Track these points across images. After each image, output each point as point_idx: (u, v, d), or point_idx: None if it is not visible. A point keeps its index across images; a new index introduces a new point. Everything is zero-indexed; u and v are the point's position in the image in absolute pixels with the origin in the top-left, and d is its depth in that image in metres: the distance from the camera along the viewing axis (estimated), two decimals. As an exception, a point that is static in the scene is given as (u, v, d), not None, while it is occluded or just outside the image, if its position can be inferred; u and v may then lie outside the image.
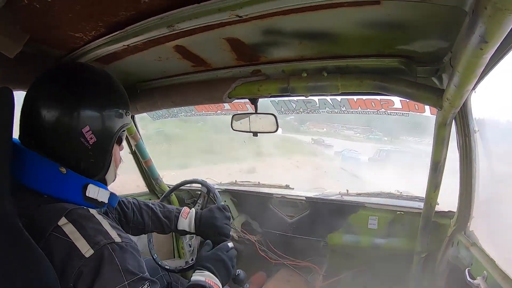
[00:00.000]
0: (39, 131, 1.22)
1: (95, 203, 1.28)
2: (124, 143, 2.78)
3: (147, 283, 1.15)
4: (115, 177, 1.49)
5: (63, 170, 1.21)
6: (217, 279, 1.48)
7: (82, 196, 1.24)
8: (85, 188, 1.25)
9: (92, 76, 1.35)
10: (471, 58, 1.07)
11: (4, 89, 1.13)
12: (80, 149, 1.26)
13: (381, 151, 19.38)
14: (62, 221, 1.11)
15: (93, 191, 1.27)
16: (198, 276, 1.45)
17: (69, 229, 1.10)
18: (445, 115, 1.66)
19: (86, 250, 1.08)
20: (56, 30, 1.48)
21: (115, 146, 1.41)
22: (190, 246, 2.25)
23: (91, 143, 1.27)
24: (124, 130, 1.43)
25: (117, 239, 1.15)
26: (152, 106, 2.46)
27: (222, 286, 1.49)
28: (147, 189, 3.31)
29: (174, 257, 3.41)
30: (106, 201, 1.35)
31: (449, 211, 2.35)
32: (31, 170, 1.19)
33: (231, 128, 2.39)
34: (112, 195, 1.38)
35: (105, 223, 1.19)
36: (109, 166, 1.39)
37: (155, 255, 2.20)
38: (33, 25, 1.38)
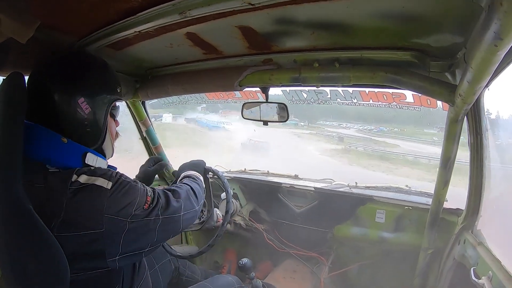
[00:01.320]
0: (44, 107, 1.37)
1: None
2: (134, 127, 2.83)
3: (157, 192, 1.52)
4: (113, 150, 1.66)
5: (65, 140, 1.36)
6: (194, 172, 2.07)
7: (81, 163, 1.39)
8: (84, 156, 1.41)
9: (86, 59, 1.54)
10: (485, 54, 1.05)
11: (16, 74, 1.27)
12: (78, 118, 1.41)
13: (250, 140, 22.61)
14: (74, 177, 1.28)
15: (91, 159, 1.43)
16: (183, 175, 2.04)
17: (84, 178, 1.29)
18: (457, 111, 1.63)
19: (106, 183, 1.30)
20: (67, 16, 1.48)
21: (110, 120, 1.58)
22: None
23: (86, 113, 1.43)
24: (115, 105, 1.60)
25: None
26: (163, 93, 2.46)
27: (201, 175, 2.09)
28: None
29: (182, 243, 3.44)
30: None
31: (457, 208, 2.34)
32: (36, 141, 1.32)
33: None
34: (110, 166, 1.56)
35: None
36: (104, 137, 1.54)
37: None
38: (44, 11, 1.39)
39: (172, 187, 1.70)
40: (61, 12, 1.43)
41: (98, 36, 1.67)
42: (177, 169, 2.18)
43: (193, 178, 1.98)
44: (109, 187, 1.30)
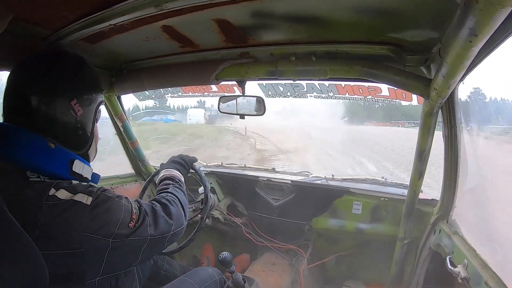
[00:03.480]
0: (29, 109, 1.28)
1: (80, 178, 1.36)
2: (110, 123, 2.78)
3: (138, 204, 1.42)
4: (96, 153, 1.59)
5: (52, 145, 1.29)
6: (176, 171, 2.00)
7: (68, 170, 1.32)
8: (71, 163, 1.33)
9: (74, 59, 1.47)
10: (460, 49, 1.07)
11: None
12: (70, 121, 1.36)
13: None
14: (52, 191, 1.18)
15: (78, 166, 1.35)
16: (162, 173, 1.97)
17: (63, 195, 1.19)
18: (432, 105, 1.66)
19: (86, 199, 1.21)
20: (41, 8, 1.43)
21: (95, 122, 1.52)
22: None
23: (78, 115, 1.38)
24: (101, 106, 1.55)
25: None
26: (139, 87, 2.43)
27: (183, 175, 2.03)
28: (133, 171, 3.29)
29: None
30: (90, 178, 1.44)
31: (432, 199, 2.39)
32: (21, 146, 1.24)
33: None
34: (94, 173, 1.48)
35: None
36: (92, 141, 1.50)
37: None
38: (17, 3, 1.34)
39: (162, 200, 1.59)
40: (35, 4, 1.38)
41: (73, 29, 1.62)
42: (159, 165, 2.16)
43: (177, 183, 1.87)
44: (88, 202, 1.21)
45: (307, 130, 29.07)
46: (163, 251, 2.18)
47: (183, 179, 1.98)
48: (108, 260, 1.24)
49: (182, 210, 1.63)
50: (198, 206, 2.85)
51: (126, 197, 1.38)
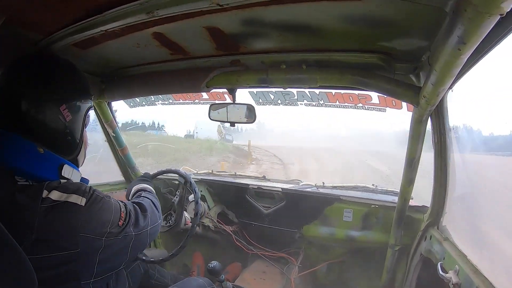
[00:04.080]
0: (18, 114, 1.28)
1: None
2: (101, 130, 2.77)
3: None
4: (84, 159, 1.59)
5: (41, 150, 1.29)
6: (145, 184, 2.15)
7: (57, 175, 1.31)
8: (60, 167, 1.33)
9: (64, 64, 1.48)
10: (449, 57, 1.09)
11: None
12: (59, 126, 1.36)
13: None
14: (45, 193, 1.19)
15: (67, 171, 1.35)
16: (133, 189, 2.11)
17: (56, 195, 1.20)
18: (421, 112, 1.68)
19: (80, 200, 1.23)
20: (33, 12, 1.42)
21: (84, 128, 1.53)
22: None
23: (67, 120, 1.38)
24: (90, 112, 1.55)
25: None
26: (130, 94, 2.43)
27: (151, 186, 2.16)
28: (123, 178, 3.27)
29: (150, 247, 3.38)
30: None
31: (423, 205, 2.40)
32: (9, 151, 1.23)
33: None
34: (83, 178, 1.47)
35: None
36: (81, 146, 1.51)
37: None
38: (9, 7, 1.33)
39: (136, 200, 1.68)
40: (27, 8, 1.37)
41: (64, 34, 1.61)
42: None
43: (148, 191, 2.00)
44: (83, 203, 1.23)
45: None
46: (154, 260, 2.17)
47: (153, 190, 2.12)
48: (101, 259, 1.26)
49: (155, 209, 1.71)
50: (172, 212, 2.80)
51: (112, 197, 1.42)
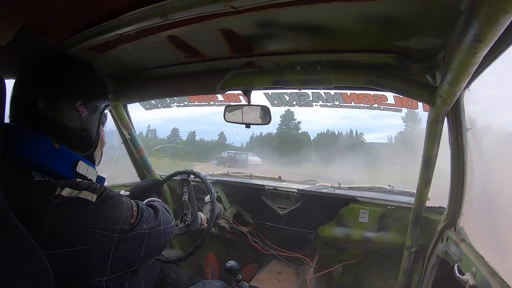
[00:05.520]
0: (34, 109, 1.31)
1: (84, 180, 1.36)
2: (117, 132, 2.80)
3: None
4: (101, 157, 1.63)
5: (56, 145, 1.31)
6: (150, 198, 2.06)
7: (72, 171, 1.35)
8: (75, 164, 1.36)
9: (81, 62, 1.52)
10: (464, 56, 1.08)
11: None
12: (74, 122, 1.39)
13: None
14: (58, 191, 1.20)
15: (83, 167, 1.39)
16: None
17: (67, 192, 1.21)
18: (437, 112, 1.66)
19: (91, 196, 1.23)
20: (48, 18, 1.45)
21: (101, 126, 1.56)
22: None
23: (83, 116, 1.41)
24: (106, 110, 1.59)
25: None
26: (146, 96, 2.45)
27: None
28: (139, 179, 3.29)
29: (166, 248, 3.41)
30: (94, 180, 1.45)
31: (439, 206, 2.37)
32: (25, 146, 1.25)
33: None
34: (99, 176, 1.50)
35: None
36: (97, 143, 1.53)
37: None
38: (25, 12, 1.36)
39: (148, 203, 1.72)
40: (43, 13, 1.39)
41: (80, 38, 1.64)
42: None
43: (158, 201, 1.99)
44: (93, 199, 1.23)
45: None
46: (170, 259, 2.18)
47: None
48: (114, 256, 1.26)
49: (166, 212, 1.70)
50: (186, 211, 2.79)
51: (124, 195, 1.42)
